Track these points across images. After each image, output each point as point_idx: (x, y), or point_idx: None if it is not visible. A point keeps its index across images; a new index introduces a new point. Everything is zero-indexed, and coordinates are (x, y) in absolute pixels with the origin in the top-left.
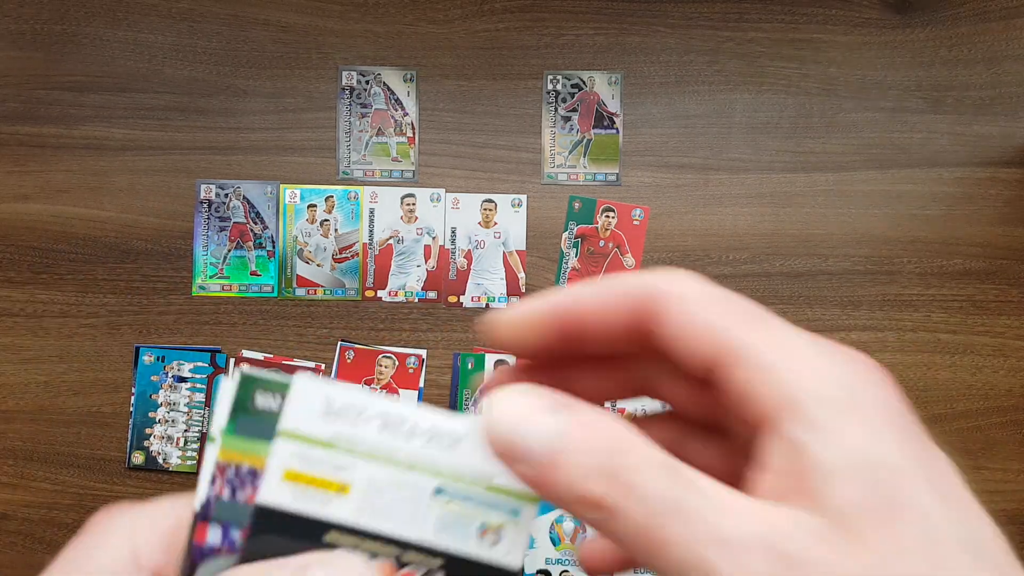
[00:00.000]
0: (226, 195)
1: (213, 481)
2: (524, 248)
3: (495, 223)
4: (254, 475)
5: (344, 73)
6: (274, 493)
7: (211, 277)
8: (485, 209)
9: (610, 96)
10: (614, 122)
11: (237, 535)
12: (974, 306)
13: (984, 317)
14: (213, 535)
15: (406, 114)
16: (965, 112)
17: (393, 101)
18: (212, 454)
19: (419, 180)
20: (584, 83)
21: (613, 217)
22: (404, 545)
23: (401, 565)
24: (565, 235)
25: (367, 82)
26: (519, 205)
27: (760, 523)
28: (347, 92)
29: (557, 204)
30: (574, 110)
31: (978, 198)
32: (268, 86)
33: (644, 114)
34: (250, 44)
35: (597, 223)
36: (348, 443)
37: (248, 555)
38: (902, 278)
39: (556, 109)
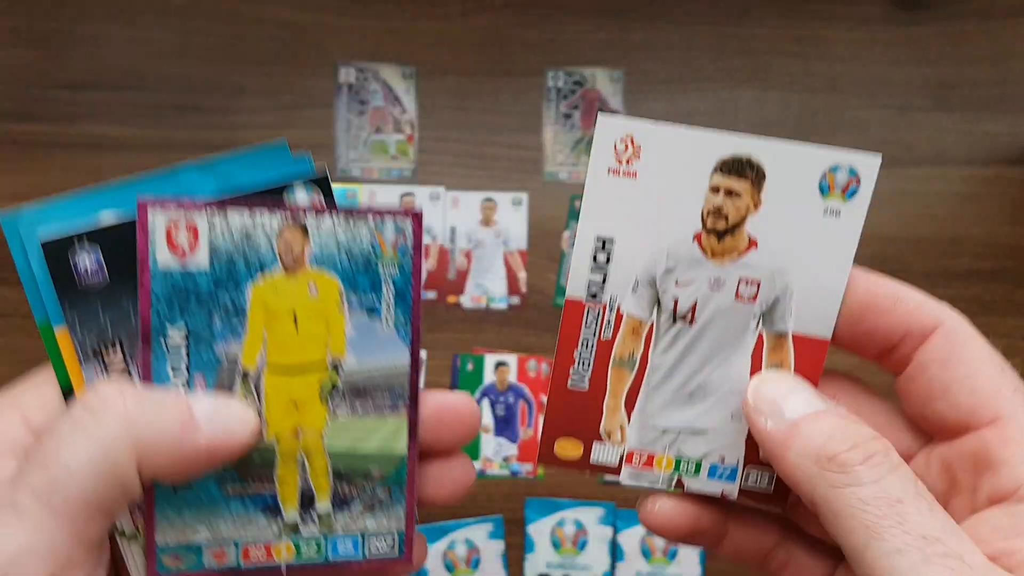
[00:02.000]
0: None
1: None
2: (525, 247)
3: (495, 222)
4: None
5: (342, 70)
6: None
7: None
8: (485, 208)
9: (612, 93)
10: None
11: None
12: (981, 306)
13: (991, 317)
14: None
15: (405, 111)
16: (971, 110)
17: (392, 98)
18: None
19: (418, 178)
20: (585, 80)
21: None
22: None
23: None
24: (566, 234)
25: (365, 79)
26: (520, 204)
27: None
28: (345, 89)
29: (558, 203)
30: (575, 107)
31: (985, 197)
32: (265, 83)
33: (646, 111)
34: (247, 41)
35: None
36: None
37: None
38: (908, 278)
39: (557, 106)
